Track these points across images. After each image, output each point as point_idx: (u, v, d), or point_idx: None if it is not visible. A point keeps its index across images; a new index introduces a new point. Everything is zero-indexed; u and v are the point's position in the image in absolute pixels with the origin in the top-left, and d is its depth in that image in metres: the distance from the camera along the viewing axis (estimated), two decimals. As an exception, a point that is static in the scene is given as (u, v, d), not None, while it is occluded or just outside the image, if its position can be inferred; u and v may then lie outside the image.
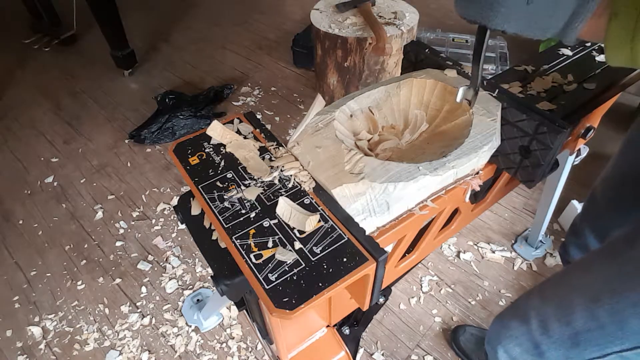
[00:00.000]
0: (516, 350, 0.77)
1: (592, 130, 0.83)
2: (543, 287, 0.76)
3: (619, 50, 0.40)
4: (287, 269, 0.49)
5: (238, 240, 0.52)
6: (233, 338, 1.28)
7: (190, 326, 1.31)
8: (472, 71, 0.59)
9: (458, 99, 0.62)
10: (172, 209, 1.66)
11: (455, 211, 0.78)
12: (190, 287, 1.41)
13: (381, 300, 1.15)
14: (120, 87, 2.35)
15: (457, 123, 0.68)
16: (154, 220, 1.62)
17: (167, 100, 2.02)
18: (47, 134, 2.06)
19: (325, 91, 1.91)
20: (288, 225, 0.54)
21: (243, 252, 0.51)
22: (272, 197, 0.57)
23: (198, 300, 1.36)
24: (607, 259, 0.64)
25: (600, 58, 0.85)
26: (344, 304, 0.81)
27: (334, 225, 0.53)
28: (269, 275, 0.48)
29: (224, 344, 1.27)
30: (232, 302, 0.97)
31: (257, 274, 0.48)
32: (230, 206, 0.56)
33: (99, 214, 1.65)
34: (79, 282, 1.44)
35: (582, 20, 0.42)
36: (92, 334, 1.30)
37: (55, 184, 1.80)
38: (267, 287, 0.47)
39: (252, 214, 0.55)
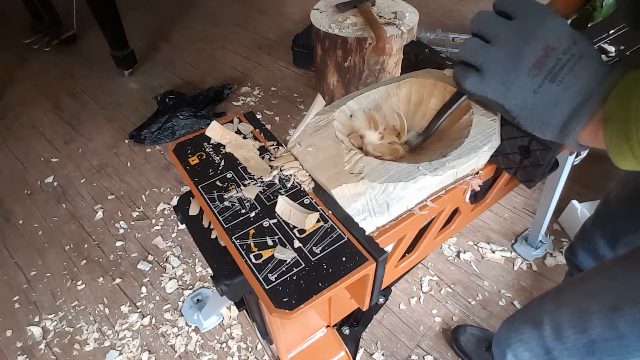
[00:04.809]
0: (526, 355, 0.75)
1: (592, 130, 0.83)
2: (558, 292, 0.74)
3: (622, 155, 0.40)
4: (286, 269, 0.49)
5: (238, 240, 0.52)
6: (233, 338, 1.28)
7: (190, 326, 1.31)
8: (430, 122, 0.63)
9: (402, 140, 0.66)
10: (172, 209, 1.66)
11: (455, 211, 0.78)
12: (190, 287, 1.41)
13: (381, 300, 1.15)
14: (120, 87, 2.35)
15: (457, 123, 0.68)
16: (154, 220, 1.62)
17: (167, 100, 2.02)
18: (47, 134, 2.06)
19: (325, 91, 1.91)
20: (288, 225, 0.54)
21: (243, 252, 0.51)
22: (272, 197, 0.57)
23: (198, 300, 1.36)
24: (631, 268, 0.62)
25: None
26: (344, 304, 0.81)
27: (333, 225, 0.53)
28: (269, 275, 0.48)
29: (224, 344, 1.27)
30: (232, 302, 0.97)
31: (257, 274, 0.48)
32: (230, 206, 0.56)
33: (99, 214, 1.65)
34: (79, 282, 1.44)
35: (579, 122, 0.43)
36: (92, 334, 1.30)
37: (55, 184, 1.80)
38: (266, 287, 0.47)
39: (252, 214, 0.55)
